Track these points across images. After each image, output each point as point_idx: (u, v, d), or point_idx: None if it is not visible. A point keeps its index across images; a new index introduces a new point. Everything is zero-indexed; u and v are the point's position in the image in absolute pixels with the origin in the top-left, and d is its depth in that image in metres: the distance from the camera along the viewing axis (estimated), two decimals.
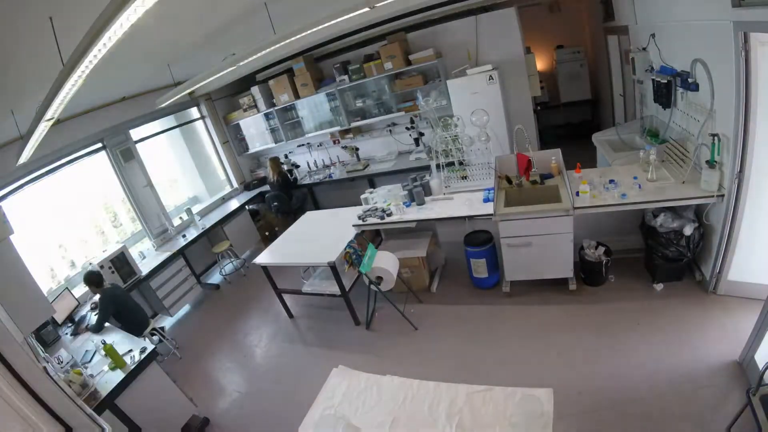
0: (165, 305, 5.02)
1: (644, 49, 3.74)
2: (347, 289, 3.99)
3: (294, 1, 3.61)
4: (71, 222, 5.27)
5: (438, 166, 4.23)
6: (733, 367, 2.58)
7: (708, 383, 2.54)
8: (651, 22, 3.62)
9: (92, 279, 3.99)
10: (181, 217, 6.14)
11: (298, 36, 3.16)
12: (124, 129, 5.56)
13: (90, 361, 3.33)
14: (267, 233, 6.76)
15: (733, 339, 2.71)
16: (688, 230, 3.08)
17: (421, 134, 5.79)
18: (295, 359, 4.00)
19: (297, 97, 6.26)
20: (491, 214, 3.52)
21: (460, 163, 4.18)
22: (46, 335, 3.81)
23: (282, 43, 3.26)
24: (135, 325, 4.05)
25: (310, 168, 7.08)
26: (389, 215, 4.07)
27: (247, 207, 6.59)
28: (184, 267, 5.37)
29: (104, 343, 3.21)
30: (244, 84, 6.74)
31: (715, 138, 2.75)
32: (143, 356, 3.13)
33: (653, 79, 3.57)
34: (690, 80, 2.96)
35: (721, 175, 2.84)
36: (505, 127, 5.15)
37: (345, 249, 3.91)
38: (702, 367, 2.65)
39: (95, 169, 5.45)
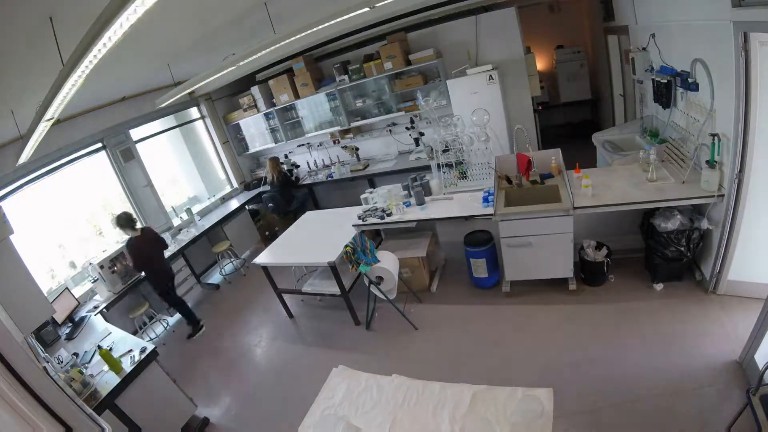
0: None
1: (644, 49, 3.73)
2: (347, 289, 3.99)
3: (294, 1, 3.61)
4: (71, 222, 5.27)
5: (438, 166, 4.23)
6: (733, 367, 2.58)
7: (708, 383, 2.53)
8: (651, 22, 3.62)
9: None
10: (181, 217, 6.14)
11: (298, 36, 3.17)
12: (124, 129, 5.57)
13: (90, 361, 3.33)
14: (267, 233, 6.77)
15: (733, 339, 2.71)
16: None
17: (421, 134, 5.79)
18: (295, 359, 4.00)
19: (297, 97, 6.26)
20: (491, 214, 3.52)
21: (460, 163, 4.18)
22: (46, 335, 3.82)
23: (282, 43, 3.26)
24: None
25: (310, 168, 7.08)
26: (389, 215, 4.08)
27: (247, 207, 6.59)
28: (184, 267, 5.38)
29: (100, 347, 3.21)
30: (244, 84, 6.74)
31: (715, 138, 2.75)
32: (143, 356, 3.13)
33: (653, 79, 3.57)
34: (690, 80, 2.96)
35: (721, 175, 2.83)
36: (505, 127, 5.15)
37: (347, 246, 3.85)
38: (702, 367, 2.65)
39: (95, 169, 5.45)
